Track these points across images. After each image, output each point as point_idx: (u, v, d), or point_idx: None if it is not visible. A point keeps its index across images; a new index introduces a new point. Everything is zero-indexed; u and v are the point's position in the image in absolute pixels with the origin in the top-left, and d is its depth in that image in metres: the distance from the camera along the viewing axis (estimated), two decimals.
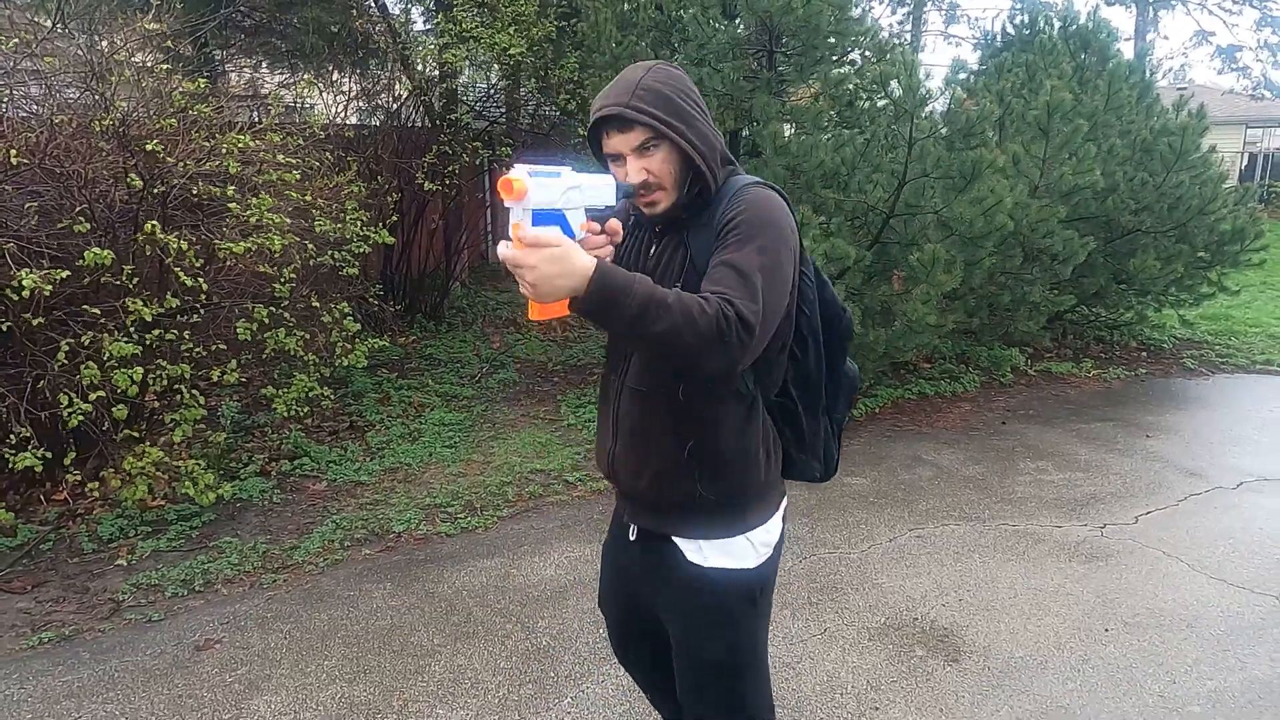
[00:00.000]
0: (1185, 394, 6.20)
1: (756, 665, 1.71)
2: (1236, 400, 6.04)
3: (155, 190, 3.77)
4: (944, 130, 4.92)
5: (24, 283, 3.17)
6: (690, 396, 1.56)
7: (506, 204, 1.28)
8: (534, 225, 1.27)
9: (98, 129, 3.73)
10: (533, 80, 7.61)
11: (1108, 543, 3.76)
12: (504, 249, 1.27)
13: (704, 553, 1.62)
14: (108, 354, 3.46)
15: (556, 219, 1.32)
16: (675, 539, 1.65)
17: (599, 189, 1.40)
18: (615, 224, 1.45)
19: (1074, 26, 7.55)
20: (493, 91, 8.42)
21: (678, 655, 1.72)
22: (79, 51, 4.47)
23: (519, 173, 1.27)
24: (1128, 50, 12.76)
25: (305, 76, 7.03)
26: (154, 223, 3.57)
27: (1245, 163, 22.07)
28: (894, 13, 18.60)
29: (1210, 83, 27.04)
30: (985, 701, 2.69)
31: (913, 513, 4.10)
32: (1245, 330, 7.95)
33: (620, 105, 1.47)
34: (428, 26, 8.21)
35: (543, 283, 1.25)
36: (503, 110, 8.45)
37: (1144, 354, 7.20)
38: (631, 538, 1.75)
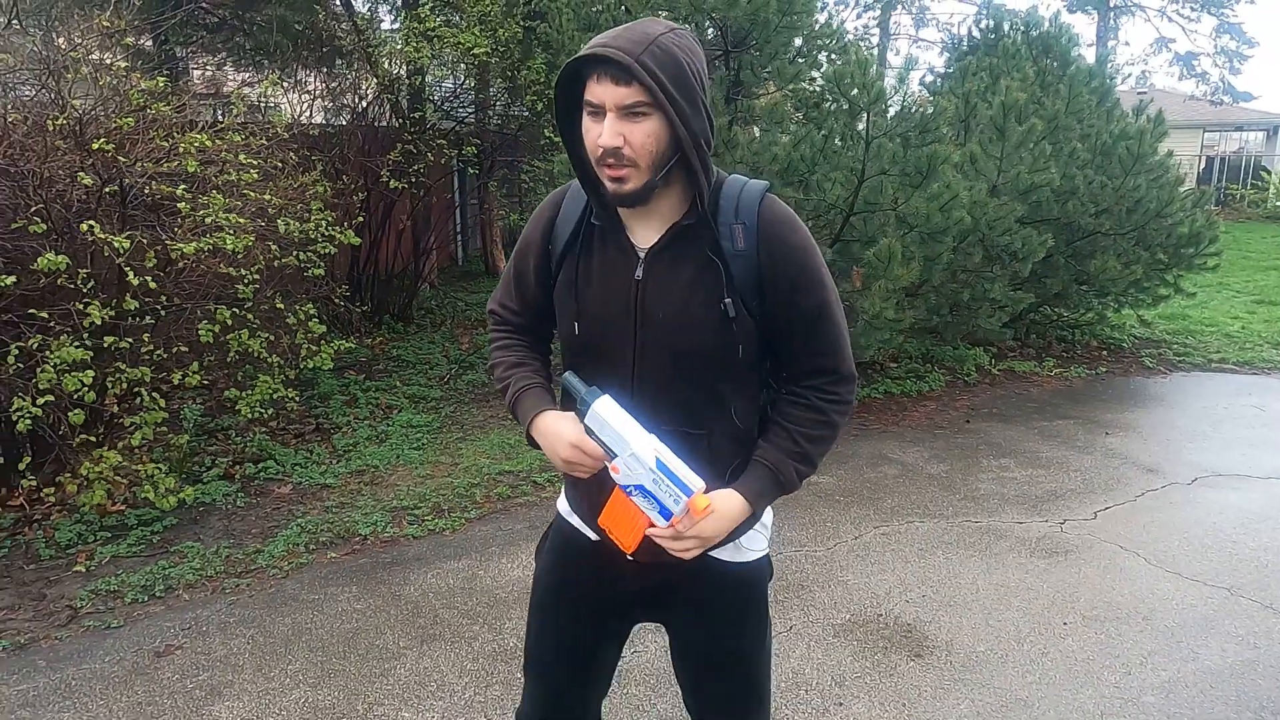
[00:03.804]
0: (1144, 392, 6.33)
1: (770, 649, 1.67)
2: (1193, 398, 6.18)
3: (108, 190, 3.71)
4: (902, 127, 4.99)
5: None
6: (742, 417, 1.49)
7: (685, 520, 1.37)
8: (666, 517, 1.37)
9: (52, 128, 3.66)
10: (500, 80, 7.58)
11: (1067, 538, 3.84)
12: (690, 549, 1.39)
13: (741, 550, 1.54)
14: (55, 359, 3.39)
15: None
16: (713, 554, 1.52)
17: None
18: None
19: (1036, 32, 7.69)
20: (460, 91, 8.38)
21: (703, 657, 1.61)
22: (34, 48, 4.39)
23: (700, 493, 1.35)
24: (1090, 56, 13.03)
25: (270, 75, 6.95)
26: (91, 222, 3.49)
27: (1203, 166, 22.57)
28: (859, 16, 18.79)
29: (1170, 88, 27.64)
30: (947, 695, 2.73)
31: (878, 510, 4.15)
32: (1201, 329, 8.14)
33: (629, 55, 1.25)
34: (394, 25, 8.16)
35: (717, 539, 1.43)
36: (471, 110, 8.42)
37: (1104, 353, 7.34)
38: (632, 563, 1.52)
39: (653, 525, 1.38)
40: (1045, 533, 3.89)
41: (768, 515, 1.59)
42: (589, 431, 1.39)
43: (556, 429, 1.43)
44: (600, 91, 1.29)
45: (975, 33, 8.52)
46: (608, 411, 1.37)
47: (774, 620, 3.12)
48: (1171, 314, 8.48)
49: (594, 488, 1.46)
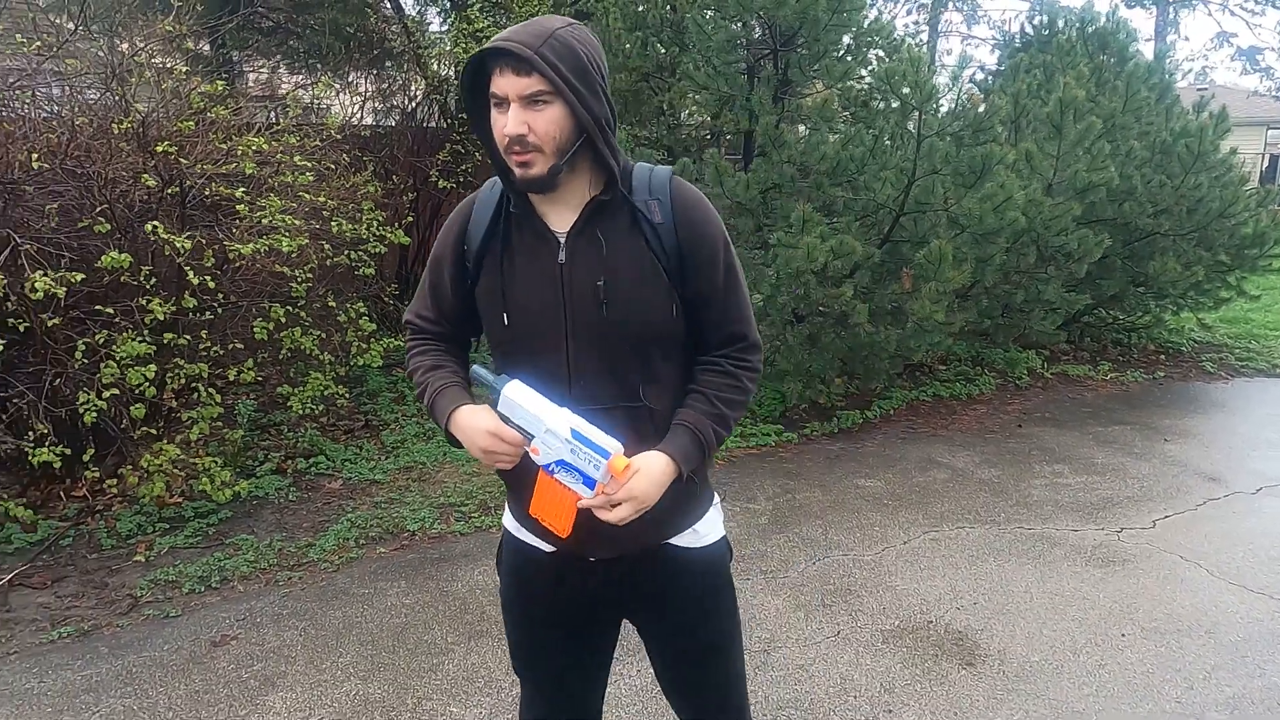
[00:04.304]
0: (1204, 397, 6.14)
1: (741, 633, 1.70)
2: (1256, 404, 5.98)
3: (170, 191, 3.81)
4: (954, 126, 4.90)
5: (36, 285, 3.21)
6: (679, 387, 1.53)
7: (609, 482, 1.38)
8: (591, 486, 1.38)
9: (117, 131, 3.77)
10: None
11: (1125, 547, 3.74)
12: (618, 513, 1.39)
13: (698, 535, 1.59)
14: (120, 353, 3.50)
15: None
16: (670, 541, 1.56)
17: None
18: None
19: (1093, 27, 7.50)
20: None
21: (677, 649, 1.63)
22: (100, 53, 4.52)
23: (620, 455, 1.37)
24: (1148, 51, 12.64)
25: (322, 77, 7.07)
26: (156, 223, 3.59)
27: (1266, 164, 21.85)
28: (909, 13, 18.56)
29: (1232, 84, 26.79)
30: (1000, 706, 2.67)
31: (927, 515, 4.08)
32: (1265, 334, 7.87)
33: (528, 47, 1.31)
34: (443, 27, 8.25)
35: (650, 500, 1.40)
36: None
37: (1162, 357, 7.14)
38: (592, 566, 1.58)
39: (581, 500, 1.39)
40: (1101, 541, 3.79)
41: (718, 497, 1.65)
42: (504, 419, 1.40)
43: (472, 422, 1.45)
44: (503, 83, 1.34)
45: (1028, 29, 8.35)
46: (518, 394, 1.38)
47: (822, 624, 3.10)
48: (1233, 317, 8.22)
49: (523, 482, 1.48)
